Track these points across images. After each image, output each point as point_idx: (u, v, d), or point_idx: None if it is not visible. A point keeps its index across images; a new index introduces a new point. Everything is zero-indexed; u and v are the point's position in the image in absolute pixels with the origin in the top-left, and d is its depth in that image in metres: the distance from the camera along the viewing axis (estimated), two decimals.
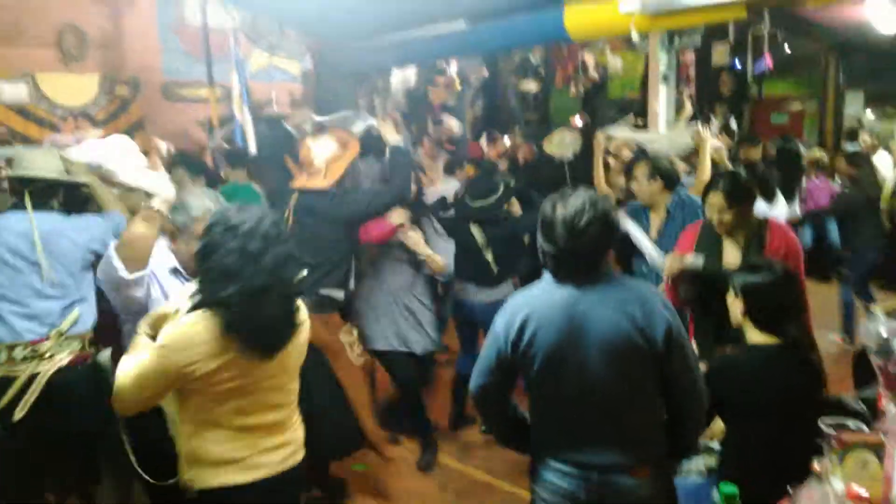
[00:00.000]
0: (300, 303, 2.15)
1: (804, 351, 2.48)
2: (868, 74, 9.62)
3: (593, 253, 2.05)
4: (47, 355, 2.89)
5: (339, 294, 3.97)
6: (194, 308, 2.01)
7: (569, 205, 2.02)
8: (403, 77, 9.34)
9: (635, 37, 3.16)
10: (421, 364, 4.57)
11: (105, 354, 2.97)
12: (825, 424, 1.98)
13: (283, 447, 2.14)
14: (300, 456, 2.22)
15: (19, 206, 3.02)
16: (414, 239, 4.12)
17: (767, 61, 3.91)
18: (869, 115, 9.99)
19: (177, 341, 1.96)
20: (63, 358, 2.92)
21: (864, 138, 7.93)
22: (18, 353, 2.85)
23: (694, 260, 3.25)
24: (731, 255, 3.20)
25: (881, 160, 7.70)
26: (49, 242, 2.95)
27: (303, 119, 5.34)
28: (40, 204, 3.00)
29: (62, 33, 7.28)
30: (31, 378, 2.85)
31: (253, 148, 7.18)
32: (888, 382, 1.79)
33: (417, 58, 6.08)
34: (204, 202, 2.53)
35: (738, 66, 9.06)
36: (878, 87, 9.77)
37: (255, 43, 6.56)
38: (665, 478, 2.21)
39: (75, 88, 7.45)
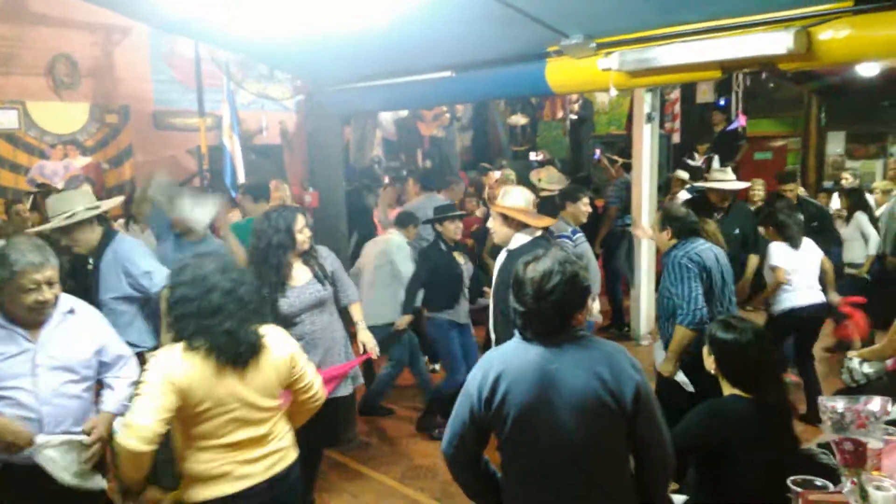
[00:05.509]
0: (267, 329, 2.35)
1: (777, 409, 2.49)
2: (849, 116, 9.84)
3: (559, 313, 2.08)
4: None
5: None
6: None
7: (538, 266, 2.08)
8: None
9: (613, 93, 3.22)
10: None
11: None
12: (792, 483, 2.02)
13: (267, 457, 2.32)
14: (288, 461, 2.39)
15: None
16: None
17: (741, 120, 4.02)
18: (845, 156, 10.21)
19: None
20: None
21: (846, 177, 8.06)
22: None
23: None
24: None
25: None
26: None
27: None
28: None
29: (54, 62, 7.34)
30: None
31: (242, 177, 7.25)
32: (844, 459, 1.83)
33: (405, 103, 6.19)
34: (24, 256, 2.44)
35: (722, 104, 9.22)
36: (858, 128, 10.00)
37: (247, 74, 6.64)
38: None
39: (65, 116, 7.49)
